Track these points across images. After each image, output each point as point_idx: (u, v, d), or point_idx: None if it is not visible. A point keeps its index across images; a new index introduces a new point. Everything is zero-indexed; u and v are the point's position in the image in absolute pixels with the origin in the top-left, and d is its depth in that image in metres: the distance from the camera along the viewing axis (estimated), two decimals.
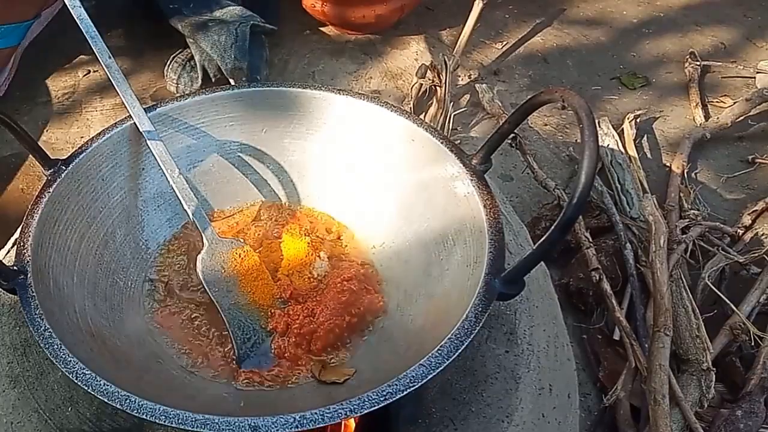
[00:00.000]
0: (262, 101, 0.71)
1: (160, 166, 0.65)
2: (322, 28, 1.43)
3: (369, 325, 0.63)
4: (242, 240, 0.67)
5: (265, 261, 0.66)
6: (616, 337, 0.92)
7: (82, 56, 1.34)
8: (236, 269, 0.64)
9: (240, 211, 0.72)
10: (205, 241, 0.64)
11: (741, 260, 0.96)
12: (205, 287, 0.63)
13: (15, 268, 0.54)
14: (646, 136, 1.24)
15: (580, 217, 0.99)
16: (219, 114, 0.71)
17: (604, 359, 0.91)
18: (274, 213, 0.72)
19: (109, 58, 0.67)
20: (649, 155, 1.21)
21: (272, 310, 0.63)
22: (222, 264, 0.64)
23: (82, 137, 1.19)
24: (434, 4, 1.50)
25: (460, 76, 1.33)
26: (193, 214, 0.64)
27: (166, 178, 0.64)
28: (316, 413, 0.46)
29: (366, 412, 0.46)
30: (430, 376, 0.48)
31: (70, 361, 0.49)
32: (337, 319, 0.61)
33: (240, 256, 0.64)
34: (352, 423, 0.59)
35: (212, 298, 0.62)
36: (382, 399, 0.47)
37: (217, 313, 0.62)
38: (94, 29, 0.66)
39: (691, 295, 0.89)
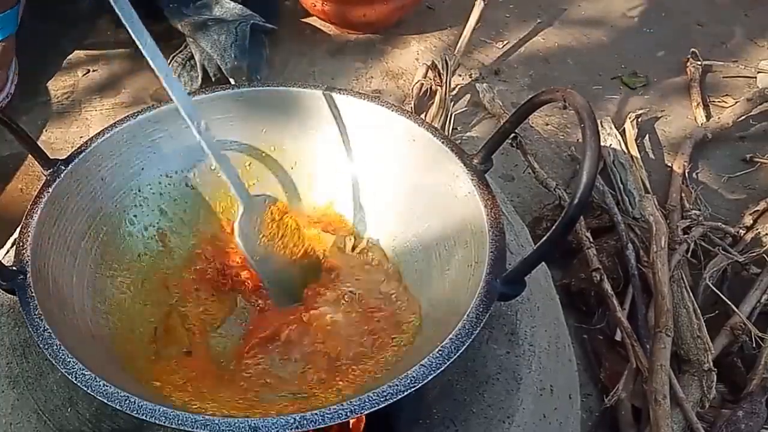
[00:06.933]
0: (262, 101, 0.71)
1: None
2: (322, 28, 1.43)
3: None
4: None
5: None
6: (618, 337, 0.91)
7: (82, 56, 1.33)
8: (272, 232, 0.65)
9: None
10: (240, 207, 0.63)
11: (742, 260, 0.96)
12: (244, 253, 0.63)
13: (14, 268, 0.54)
14: (647, 135, 1.24)
15: (582, 217, 0.99)
16: (219, 114, 0.70)
17: (605, 360, 0.90)
18: (273, 213, 0.72)
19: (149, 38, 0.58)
20: (650, 155, 1.20)
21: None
22: (258, 228, 0.64)
23: (81, 137, 1.19)
24: (435, 4, 1.50)
25: (460, 76, 1.33)
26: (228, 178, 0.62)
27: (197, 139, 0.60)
28: (316, 413, 0.46)
29: (366, 412, 0.46)
30: (430, 377, 0.48)
31: (70, 361, 0.48)
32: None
33: (274, 217, 0.65)
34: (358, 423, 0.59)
35: (251, 264, 0.63)
36: (382, 399, 0.46)
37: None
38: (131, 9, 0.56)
39: (692, 296, 0.89)
